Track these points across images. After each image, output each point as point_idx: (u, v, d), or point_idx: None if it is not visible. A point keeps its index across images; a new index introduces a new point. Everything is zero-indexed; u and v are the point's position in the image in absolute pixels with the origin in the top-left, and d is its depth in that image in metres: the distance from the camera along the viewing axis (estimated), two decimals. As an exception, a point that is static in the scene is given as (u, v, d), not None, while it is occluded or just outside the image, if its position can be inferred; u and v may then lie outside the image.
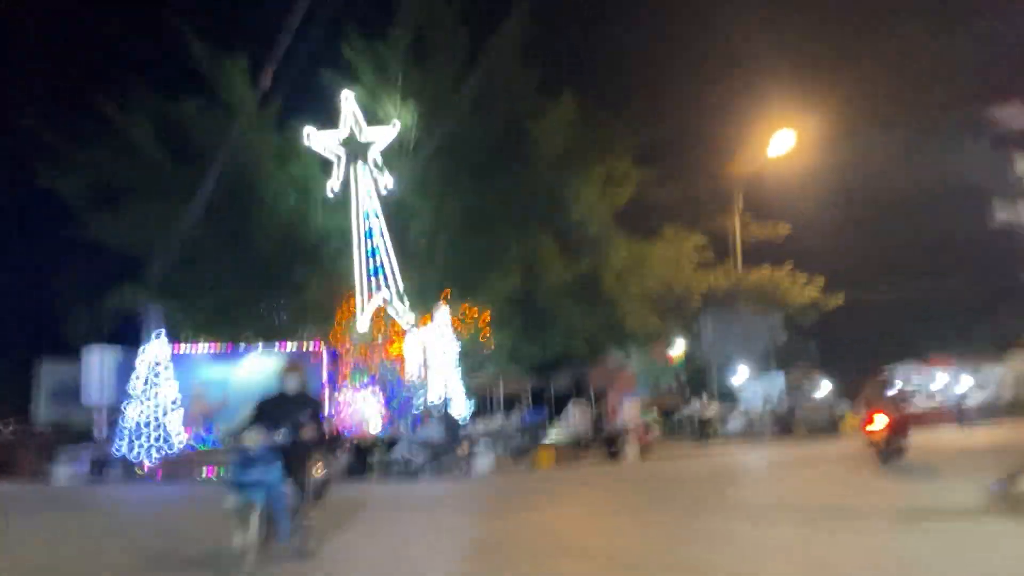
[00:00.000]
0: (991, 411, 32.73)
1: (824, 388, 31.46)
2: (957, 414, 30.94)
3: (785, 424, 27.60)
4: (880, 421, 14.67)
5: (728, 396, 30.06)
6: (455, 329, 24.71)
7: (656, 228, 26.75)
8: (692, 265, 28.38)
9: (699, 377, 32.15)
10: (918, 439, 21.45)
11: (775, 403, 28.57)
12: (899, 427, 14.73)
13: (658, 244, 26.34)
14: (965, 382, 33.14)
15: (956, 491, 10.94)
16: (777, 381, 28.95)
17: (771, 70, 31.83)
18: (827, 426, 28.02)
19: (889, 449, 14.62)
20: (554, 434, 22.29)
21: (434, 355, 24.57)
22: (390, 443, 19.45)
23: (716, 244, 29.79)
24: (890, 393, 16.99)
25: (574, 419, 22.06)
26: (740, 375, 30.03)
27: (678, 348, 34.70)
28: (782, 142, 29.58)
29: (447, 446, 19.02)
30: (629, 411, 23.49)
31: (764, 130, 30.58)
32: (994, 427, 29.39)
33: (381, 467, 19.24)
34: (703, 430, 25.42)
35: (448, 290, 23.06)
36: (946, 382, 34.42)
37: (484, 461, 20.26)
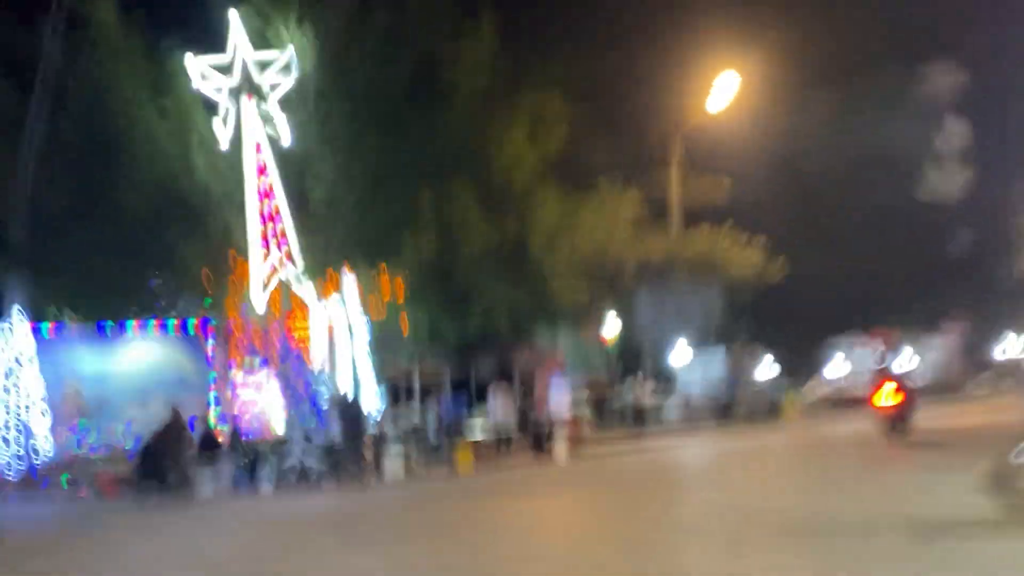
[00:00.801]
0: (935, 388, 31.60)
1: (766, 366, 29.59)
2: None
3: (726, 409, 25.57)
4: (891, 397, 14.87)
5: (665, 378, 27.84)
6: (363, 304, 21.53)
7: (589, 183, 23.88)
8: (627, 227, 25.70)
9: (634, 358, 29.85)
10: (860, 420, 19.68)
11: (715, 385, 26.47)
12: (909, 403, 14.94)
13: (591, 201, 23.52)
14: (909, 357, 31.83)
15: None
16: (717, 359, 26.83)
17: (712, 22, 29.28)
18: (769, 410, 26.17)
19: (897, 425, 14.70)
20: (476, 429, 19.49)
21: (341, 335, 21.41)
22: (280, 446, 16.30)
23: (651, 205, 27.20)
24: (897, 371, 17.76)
25: (497, 409, 19.30)
26: (678, 354, 27.88)
27: (612, 327, 32.28)
28: (724, 89, 27.06)
29: (350, 448, 16.01)
30: (559, 400, 20.83)
31: (704, 79, 28.05)
32: (940, 406, 28.08)
33: (274, 475, 16.12)
34: (639, 419, 23.10)
35: (350, 258, 19.81)
36: (889, 356, 33.07)
37: (394, 466, 17.38)
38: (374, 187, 19.76)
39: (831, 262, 36.95)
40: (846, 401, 29.63)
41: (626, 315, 29.66)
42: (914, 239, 45.71)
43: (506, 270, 21.54)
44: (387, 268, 20.42)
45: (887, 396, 14.92)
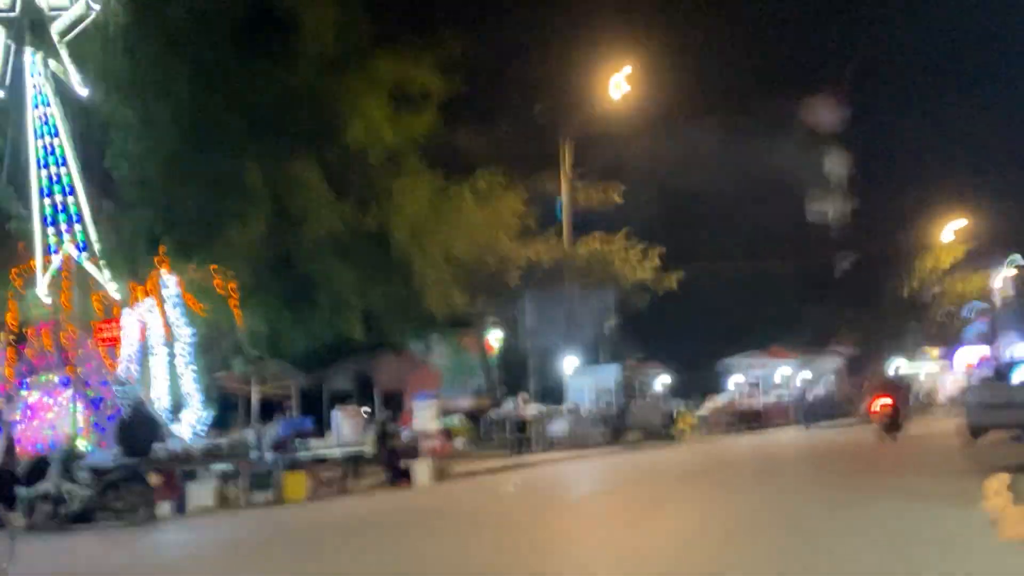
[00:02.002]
0: (831, 408, 29.92)
1: (660, 383, 27.11)
2: (801, 411, 27.62)
3: (616, 427, 22.80)
4: (884, 402, 17.23)
5: (552, 394, 24.92)
6: (184, 299, 17.74)
7: (468, 176, 20.72)
8: (511, 230, 22.85)
9: (520, 371, 26.88)
10: (759, 440, 17.86)
11: (606, 401, 23.72)
12: (901, 406, 17.49)
13: (468, 196, 20.29)
14: (805, 376, 30.10)
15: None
16: (609, 375, 24.12)
17: (609, 33, 27.18)
18: (662, 429, 23.57)
19: (892, 424, 16.91)
20: (317, 450, 15.88)
21: (156, 336, 17.54)
22: (36, 470, 12.26)
23: (541, 206, 24.50)
24: (890, 377, 20.22)
25: (342, 428, 15.80)
26: (567, 367, 25.07)
27: (496, 336, 29.24)
28: (618, 89, 24.90)
29: (130, 473, 12.20)
30: (423, 416, 17.59)
31: (598, 80, 25.86)
32: (835, 428, 26.33)
33: (24, 507, 12.08)
34: (519, 437, 20.02)
35: (166, 244, 16.02)
36: (787, 375, 31.33)
37: (201, 494, 13.62)
38: (193, 154, 15.94)
39: (723, 281, 35.78)
40: (742, 418, 27.51)
41: (512, 324, 26.74)
42: (803, 261, 45.61)
43: (361, 263, 18.00)
44: (213, 256, 16.71)
45: (881, 404, 17.19)
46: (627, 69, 24.61)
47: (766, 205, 43.15)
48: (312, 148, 16.31)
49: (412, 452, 16.86)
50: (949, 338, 49.03)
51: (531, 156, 25.46)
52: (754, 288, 37.79)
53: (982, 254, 48.53)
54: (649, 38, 28.93)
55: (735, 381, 30.15)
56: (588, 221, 25.79)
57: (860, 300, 42.70)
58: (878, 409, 17.22)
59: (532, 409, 20.56)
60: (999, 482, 5.99)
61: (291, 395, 20.44)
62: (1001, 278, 51.55)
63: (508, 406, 20.83)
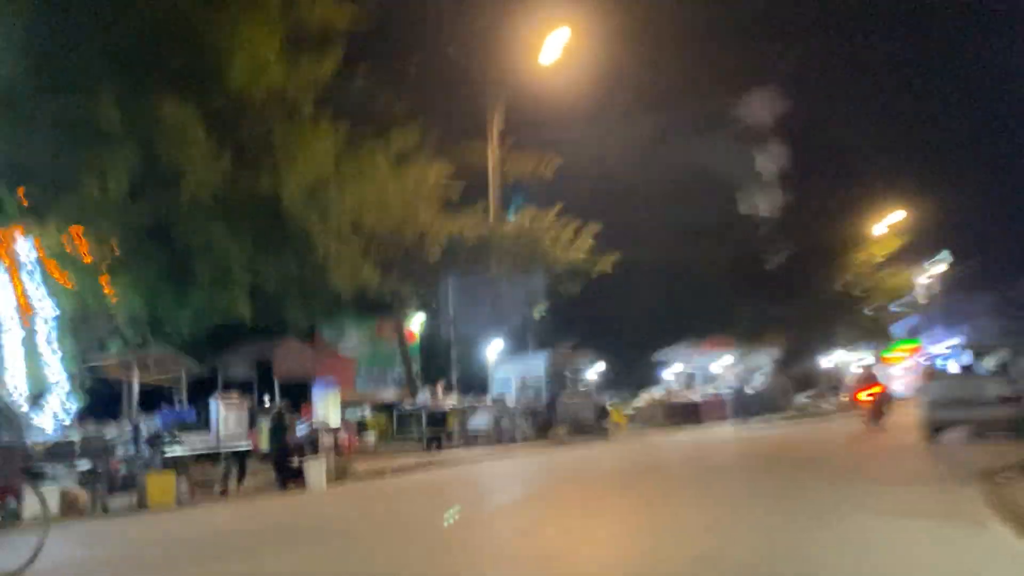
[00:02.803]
0: (765, 403, 28.80)
1: (592, 374, 25.44)
2: (735, 406, 26.32)
3: (545, 421, 21.00)
4: (872, 391, 18.70)
5: (477, 385, 23.00)
6: (47, 272, 15.14)
7: (382, 134, 18.32)
8: (433, 201, 20.70)
9: (444, 361, 24.85)
10: (696, 437, 16.42)
11: (532, 394, 21.89)
12: (884, 397, 18.80)
13: (382, 160, 17.93)
14: (741, 370, 28.84)
15: None
16: (537, 364, 22.30)
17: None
18: (593, 423, 21.90)
19: (877, 413, 18.27)
20: (196, 446, 13.54)
21: (10, 315, 14.98)
22: None
23: (466, 181, 22.38)
24: (874, 373, 20.58)
25: (223, 424, 13.49)
26: (490, 356, 23.08)
27: (418, 323, 27.11)
28: (551, 53, 22.97)
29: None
30: (324, 409, 15.43)
31: (531, 44, 23.89)
32: (771, 424, 25.12)
33: None
34: (436, 431, 18.00)
35: (15, 205, 13.36)
36: (724, 367, 30.04)
37: (46, 499, 11.19)
38: (40, 91, 13.14)
39: (658, 270, 34.63)
40: (678, 412, 26.02)
41: (436, 310, 24.65)
42: (737, 254, 44.96)
43: (249, 231, 15.43)
44: (73, 217, 14.12)
45: (869, 394, 18.64)
46: (563, 32, 22.65)
47: (700, 197, 42.42)
48: (188, 90, 13.65)
49: (309, 449, 14.71)
50: (880, 333, 49.09)
51: (457, 121, 23.39)
52: (689, 279, 36.79)
53: (914, 250, 48.82)
54: (588, 15, 27.23)
55: (671, 373, 28.70)
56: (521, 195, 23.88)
57: (793, 294, 42.16)
58: (866, 398, 18.61)
59: (450, 401, 18.55)
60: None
61: (180, 384, 17.96)
62: (929, 275, 51.92)
63: (422, 398, 18.74)
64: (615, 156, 40.69)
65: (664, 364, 28.81)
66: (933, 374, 15.80)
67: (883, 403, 18.35)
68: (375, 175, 17.72)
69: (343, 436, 16.87)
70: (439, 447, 18.04)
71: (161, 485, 12.15)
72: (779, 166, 54.70)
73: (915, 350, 50.51)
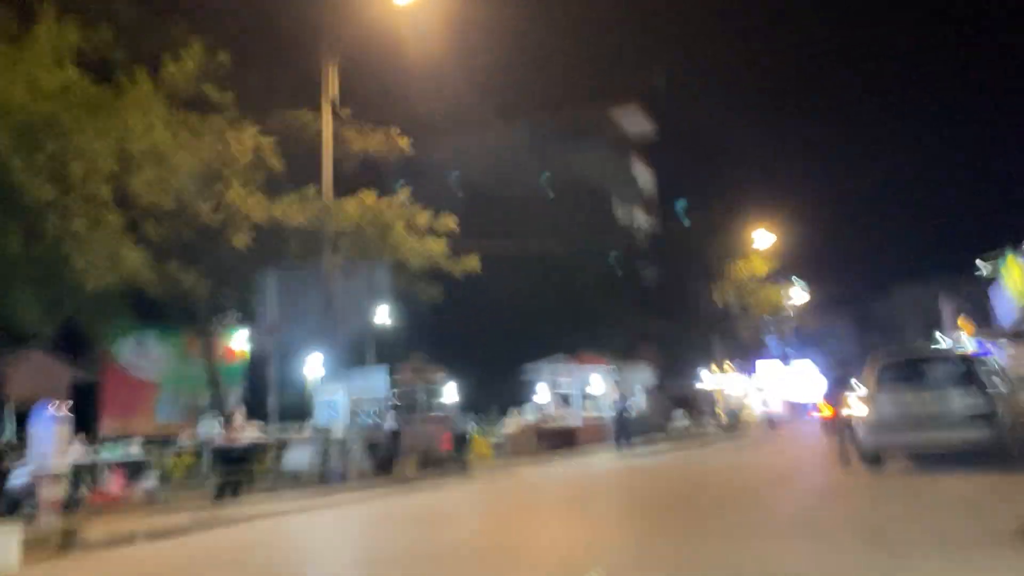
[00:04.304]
0: (644, 425, 25.40)
1: (450, 394, 21.01)
2: (617, 430, 22.58)
3: (387, 455, 16.37)
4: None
5: (299, 410, 18.07)
6: None
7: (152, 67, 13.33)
8: (246, 176, 15.92)
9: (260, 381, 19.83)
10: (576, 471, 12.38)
11: (373, 420, 17.19)
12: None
13: (155, 100, 12.95)
14: (618, 390, 25.18)
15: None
16: (377, 384, 17.63)
17: None
18: (453, 453, 17.53)
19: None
20: None
21: None
22: None
23: (290, 156, 17.64)
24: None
25: None
26: (311, 374, 18.09)
27: (242, 339, 21.93)
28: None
29: None
30: (45, 445, 10.37)
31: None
32: (655, 452, 21.56)
33: None
34: (229, 474, 13.04)
35: None
36: (600, 387, 26.29)
37: None
38: None
39: (525, 280, 31.32)
40: (551, 436, 22.00)
41: (251, 313, 19.56)
42: (611, 268, 42.68)
43: None
44: None
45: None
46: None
47: (574, 202, 40.22)
48: None
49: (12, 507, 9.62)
50: (751, 352, 47.73)
51: (288, 83, 18.68)
52: (559, 292, 33.72)
53: (783, 271, 48.23)
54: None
55: (544, 393, 24.68)
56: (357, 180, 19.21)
57: (670, 309, 39.94)
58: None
59: (250, 432, 13.63)
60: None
61: None
62: (795, 294, 51.39)
63: (205, 430, 13.75)
64: (480, 148, 37.50)
65: (533, 381, 24.77)
66: (877, 383, 12.13)
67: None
68: (149, 132, 12.74)
69: (110, 483, 11.84)
70: (235, 494, 13.08)
71: None
72: (655, 182, 53.23)
73: (787, 358, 49.91)
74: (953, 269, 46.81)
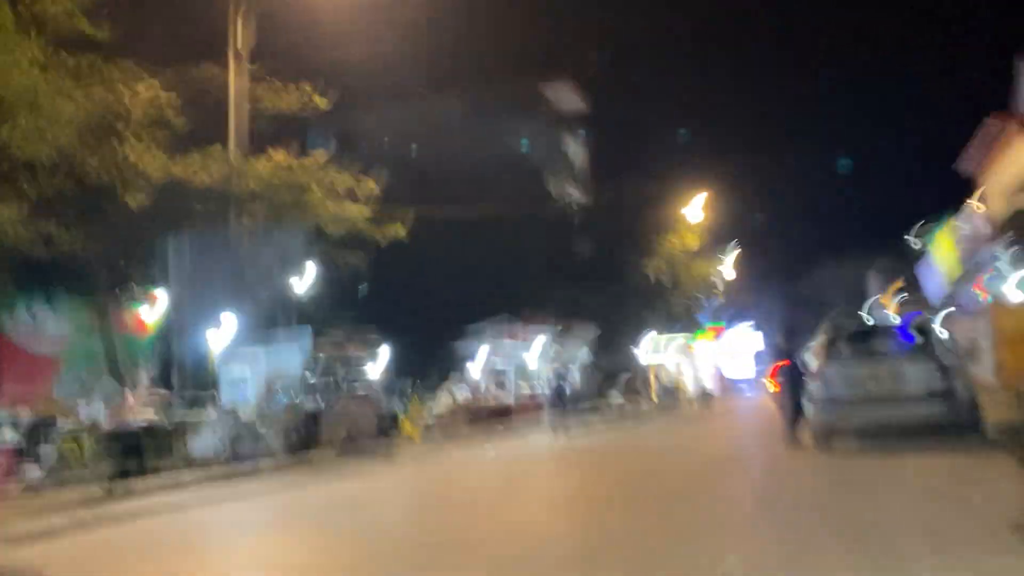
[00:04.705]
0: (579, 404, 24.47)
1: (373, 368, 19.69)
2: (552, 409, 21.58)
3: (305, 436, 15.05)
4: None
5: (208, 384, 16.52)
6: None
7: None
8: (143, 131, 14.25)
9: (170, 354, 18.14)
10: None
11: (288, 394, 15.81)
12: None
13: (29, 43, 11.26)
14: (558, 362, 24.22)
15: None
16: (292, 357, 16.22)
17: None
18: (379, 431, 16.31)
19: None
20: None
21: None
22: None
23: (198, 114, 15.94)
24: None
25: None
26: (215, 346, 16.46)
27: (152, 309, 20.07)
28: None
29: None
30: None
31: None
32: (591, 431, 20.66)
33: None
34: (124, 462, 11.55)
35: None
36: (539, 360, 25.30)
37: None
38: None
39: (457, 248, 30.22)
40: (486, 416, 20.91)
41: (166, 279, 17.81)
42: (545, 240, 41.88)
43: None
44: None
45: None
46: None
47: (506, 171, 39.44)
48: None
49: None
50: (688, 323, 47.59)
51: (188, 35, 16.86)
52: (494, 263, 32.68)
53: (714, 241, 48.31)
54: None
55: (477, 369, 23.56)
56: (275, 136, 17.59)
57: (604, 281, 39.32)
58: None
59: (146, 413, 12.14)
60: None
61: None
62: (725, 264, 51.61)
63: (88, 410, 12.21)
64: (413, 114, 36.23)
65: (470, 356, 23.62)
66: (828, 357, 11.32)
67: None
68: (9, 61, 11.00)
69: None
70: (126, 482, 11.60)
71: None
72: (589, 152, 52.57)
73: (718, 331, 49.87)
74: (882, 246, 47.48)
